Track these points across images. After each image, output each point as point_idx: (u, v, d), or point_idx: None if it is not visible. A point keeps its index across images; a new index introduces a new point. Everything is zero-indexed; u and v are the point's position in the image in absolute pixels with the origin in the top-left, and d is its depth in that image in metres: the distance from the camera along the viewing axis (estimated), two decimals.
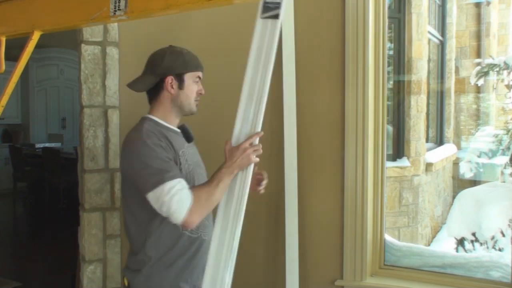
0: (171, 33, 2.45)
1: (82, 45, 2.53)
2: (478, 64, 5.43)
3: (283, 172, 2.42)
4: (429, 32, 4.58)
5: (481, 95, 5.56)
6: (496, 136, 5.18)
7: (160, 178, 1.53)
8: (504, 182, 4.93)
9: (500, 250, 3.91)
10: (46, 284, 4.11)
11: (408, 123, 4.19)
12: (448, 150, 5.17)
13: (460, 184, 5.27)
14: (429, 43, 4.62)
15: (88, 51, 2.53)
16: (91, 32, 2.52)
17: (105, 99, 2.57)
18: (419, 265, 2.50)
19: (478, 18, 5.69)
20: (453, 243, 4.28)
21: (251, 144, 1.60)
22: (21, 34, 1.67)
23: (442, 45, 5.19)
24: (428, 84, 4.66)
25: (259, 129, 1.67)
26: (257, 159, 1.63)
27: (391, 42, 4.14)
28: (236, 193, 1.63)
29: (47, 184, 6.97)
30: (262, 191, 1.84)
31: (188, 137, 1.77)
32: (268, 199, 2.50)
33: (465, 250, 4.13)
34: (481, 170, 5.09)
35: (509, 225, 3.94)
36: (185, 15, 2.50)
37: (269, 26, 1.68)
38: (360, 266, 2.35)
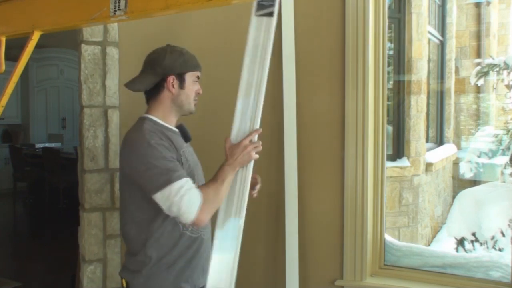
0: (171, 33, 2.45)
1: (82, 45, 2.53)
2: (478, 64, 5.43)
3: (283, 172, 2.42)
4: (429, 32, 4.58)
5: (481, 95, 5.56)
6: (496, 136, 5.19)
7: (168, 178, 1.53)
8: (504, 182, 4.94)
9: (500, 250, 3.91)
10: (46, 284, 4.11)
11: (408, 123, 4.19)
12: (448, 150, 5.17)
13: (460, 184, 5.27)
14: (429, 43, 4.62)
15: (88, 51, 2.53)
16: (91, 32, 2.52)
17: (105, 99, 2.57)
18: (419, 265, 2.50)
19: (478, 18, 5.69)
20: (453, 243, 4.28)
21: (250, 141, 1.64)
22: (21, 34, 1.66)
23: (442, 45, 5.19)
24: (428, 84, 4.66)
25: (257, 126, 1.69)
26: (257, 156, 1.66)
27: (391, 42, 4.14)
28: (237, 191, 1.65)
29: (47, 184, 6.97)
30: (255, 195, 1.84)
31: (186, 137, 1.77)
32: (268, 199, 2.50)
33: (465, 250, 4.14)
34: (481, 170, 5.09)
35: (509, 225, 3.95)
36: (185, 15, 2.50)
37: (264, 24, 1.70)
38: (360, 266, 2.35)
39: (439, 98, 5.24)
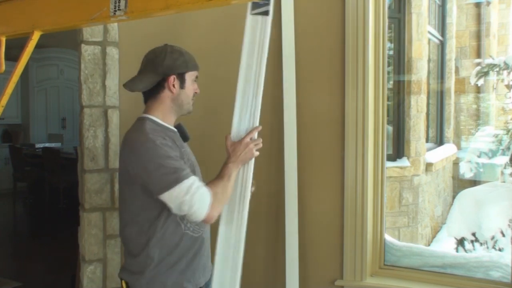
0: (171, 33, 2.45)
1: (82, 45, 2.53)
2: (478, 64, 5.43)
3: (283, 172, 2.42)
4: (429, 32, 4.58)
5: (481, 95, 5.57)
6: (496, 136, 5.19)
7: (177, 177, 1.53)
8: (504, 182, 4.94)
9: (500, 250, 3.91)
10: (46, 284, 4.10)
11: (408, 123, 4.19)
12: (448, 150, 5.18)
13: (460, 184, 5.28)
14: (429, 43, 4.62)
15: (88, 51, 2.53)
16: (91, 32, 2.52)
17: (105, 99, 2.56)
18: (419, 265, 2.50)
19: (478, 18, 5.69)
20: (453, 243, 4.28)
21: (251, 139, 1.71)
22: (21, 34, 1.66)
23: (442, 45, 5.20)
24: (428, 84, 4.67)
25: (257, 123, 1.72)
26: (258, 153, 1.73)
27: (391, 42, 4.15)
28: (239, 188, 1.69)
29: (47, 184, 6.97)
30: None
31: (184, 137, 1.77)
32: (268, 199, 2.50)
33: (465, 250, 4.14)
34: (481, 170, 5.10)
35: (509, 225, 3.95)
36: (185, 15, 2.50)
37: (260, 22, 1.72)
38: (360, 266, 2.35)
39: (439, 98, 5.24)
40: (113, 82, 2.57)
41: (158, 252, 1.64)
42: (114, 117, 2.58)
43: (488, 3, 5.66)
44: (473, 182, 5.16)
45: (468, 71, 5.46)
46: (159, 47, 1.72)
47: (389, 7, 4.07)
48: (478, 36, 5.65)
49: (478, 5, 5.72)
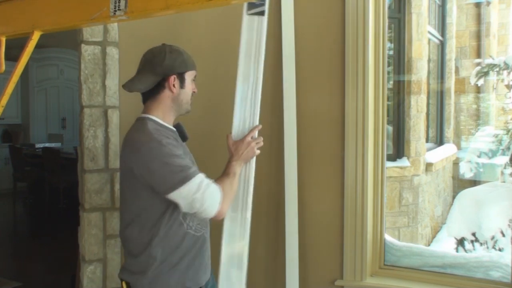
0: (171, 33, 2.45)
1: (82, 45, 2.53)
2: (478, 64, 5.44)
3: (283, 172, 2.42)
4: (429, 32, 4.59)
5: (481, 95, 5.57)
6: (496, 136, 5.19)
7: (186, 175, 1.54)
8: (504, 182, 4.94)
9: (500, 250, 3.91)
10: (46, 284, 4.10)
11: (408, 123, 4.20)
12: (448, 150, 5.18)
13: (460, 184, 5.28)
14: (429, 43, 4.62)
15: (88, 51, 2.53)
16: (91, 32, 2.52)
17: (105, 99, 2.56)
18: (419, 265, 2.50)
19: (478, 18, 5.70)
20: (453, 243, 4.28)
21: (252, 137, 1.78)
22: (21, 34, 1.66)
23: (442, 45, 5.20)
24: (428, 84, 4.67)
25: (257, 122, 1.75)
26: (259, 151, 1.80)
27: (391, 42, 4.15)
28: (242, 186, 1.74)
29: (47, 184, 6.96)
30: None
31: (183, 136, 1.78)
32: (268, 199, 2.50)
33: (465, 250, 4.14)
34: (481, 170, 5.10)
35: (509, 225, 3.95)
36: (185, 15, 2.50)
37: (256, 22, 1.74)
38: (360, 266, 2.35)
39: (439, 98, 5.25)
40: (113, 82, 2.57)
41: (161, 251, 1.63)
42: (114, 117, 2.58)
43: (488, 3, 5.66)
44: (473, 182, 5.16)
45: (468, 71, 5.47)
46: (157, 47, 1.72)
47: (389, 7, 4.07)
48: (478, 36, 5.65)
49: (478, 5, 5.72)
